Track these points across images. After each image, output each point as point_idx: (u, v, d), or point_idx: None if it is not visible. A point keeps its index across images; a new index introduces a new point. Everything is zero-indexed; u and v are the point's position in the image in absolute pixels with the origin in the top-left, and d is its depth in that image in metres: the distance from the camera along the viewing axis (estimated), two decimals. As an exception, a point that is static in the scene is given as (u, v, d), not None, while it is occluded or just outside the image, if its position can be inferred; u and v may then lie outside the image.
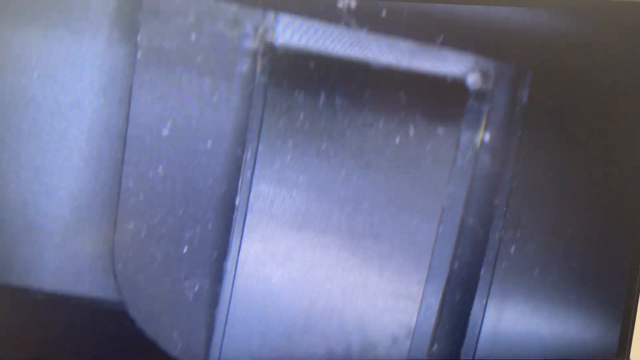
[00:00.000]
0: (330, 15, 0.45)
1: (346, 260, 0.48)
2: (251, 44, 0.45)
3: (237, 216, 0.46)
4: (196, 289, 0.47)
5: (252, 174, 0.46)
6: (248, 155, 0.46)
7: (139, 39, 0.44)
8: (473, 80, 0.47)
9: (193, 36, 0.44)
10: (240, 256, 0.47)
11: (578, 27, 0.47)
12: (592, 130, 0.49)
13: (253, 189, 0.46)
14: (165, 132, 0.45)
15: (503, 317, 0.51)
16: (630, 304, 0.52)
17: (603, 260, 0.51)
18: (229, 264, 0.47)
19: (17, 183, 0.45)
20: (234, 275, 0.47)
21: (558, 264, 0.51)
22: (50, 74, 0.44)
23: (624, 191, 0.51)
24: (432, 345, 0.51)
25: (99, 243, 0.46)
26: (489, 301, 0.50)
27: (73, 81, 0.44)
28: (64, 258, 0.46)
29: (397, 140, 0.47)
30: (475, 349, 0.51)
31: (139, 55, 0.44)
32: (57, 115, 0.44)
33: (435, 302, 0.50)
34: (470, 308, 0.50)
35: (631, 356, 0.53)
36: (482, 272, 0.50)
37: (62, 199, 0.45)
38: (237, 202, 0.46)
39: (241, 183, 0.46)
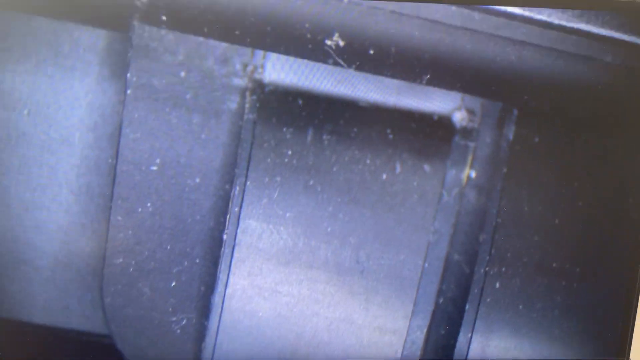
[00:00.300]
0: (318, 53, 0.45)
1: (332, 295, 0.49)
2: (240, 81, 0.45)
3: (225, 251, 0.47)
4: (184, 323, 0.47)
5: (240, 209, 0.47)
6: (236, 190, 0.46)
7: (128, 76, 0.44)
8: (459, 117, 0.47)
9: (182, 73, 0.45)
10: (227, 291, 0.47)
11: (564, 64, 0.48)
12: (578, 166, 0.50)
13: (241, 224, 0.47)
14: (154, 168, 0.45)
15: (488, 352, 0.52)
16: (630, 304, 0.52)
17: (594, 291, 0.52)
18: (216, 298, 0.47)
19: (8, 217, 0.45)
20: (221, 310, 0.47)
21: (542, 299, 0.51)
22: (41, 110, 0.44)
23: (610, 228, 0.51)
24: (418, 378, 0.51)
25: (88, 277, 0.46)
26: (473, 336, 0.51)
27: (63, 117, 0.45)
28: (54, 292, 0.46)
29: (384, 176, 0.48)
30: (461, 382, 0.52)
31: (128, 92, 0.44)
32: (48, 151, 0.45)
33: (420, 336, 0.50)
34: (455, 343, 0.51)
35: (631, 356, 0.53)
36: (466, 307, 0.51)
37: (52, 234, 0.46)
38: (224, 237, 0.47)
39: (229, 218, 0.46)
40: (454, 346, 0.50)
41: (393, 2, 0.45)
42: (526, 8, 0.46)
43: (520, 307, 0.50)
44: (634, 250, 0.52)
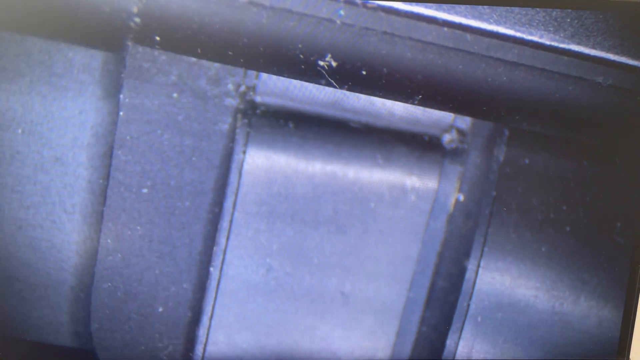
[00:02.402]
0: (311, 74, 0.46)
1: (316, 327, 0.49)
2: (232, 102, 0.46)
3: (211, 283, 0.47)
4: (170, 349, 0.47)
5: (228, 238, 0.47)
6: (224, 222, 0.46)
7: (121, 97, 0.45)
8: (449, 139, 0.47)
9: (175, 94, 0.45)
10: (212, 322, 0.48)
11: (555, 85, 0.48)
12: (569, 188, 0.50)
13: (227, 257, 0.47)
14: (144, 190, 0.46)
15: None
16: (630, 304, 0.52)
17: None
18: (201, 330, 0.48)
19: (1, 235, 0.45)
20: (206, 341, 0.48)
21: (528, 335, 0.52)
22: (35, 129, 0.45)
23: (602, 251, 0.51)
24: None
25: (81, 295, 0.46)
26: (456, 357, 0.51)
27: (57, 137, 0.45)
28: (46, 309, 0.46)
29: (372, 205, 0.48)
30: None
31: (121, 113, 0.45)
32: (41, 170, 0.45)
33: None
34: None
35: (631, 356, 0.53)
36: (449, 335, 0.51)
37: (45, 252, 0.46)
38: (211, 270, 0.47)
39: (215, 251, 0.47)
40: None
41: (385, 23, 0.45)
42: (518, 29, 0.46)
43: (502, 340, 0.51)
44: (634, 250, 0.52)
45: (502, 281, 0.50)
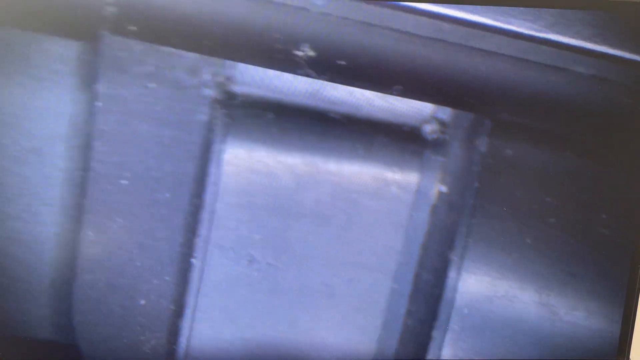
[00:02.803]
0: (289, 64, 0.45)
1: (300, 318, 0.49)
2: (210, 92, 0.45)
3: (193, 275, 0.47)
4: (152, 342, 0.47)
5: (210, 228, 0.47)
6: (205, 213, 0.46)
7: (98, 87, 0.44)
8: (430, 129, 0.47)
9: (152, 85, 0.45)
10: (195, 314, 0.47)
11: (535, 75, 0.48)
12: (553, 179, 0.50)
13: (209, 248, 0.47)
14: (124, 181, 0.45)
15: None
16: (630, 304, 0.52)
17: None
18: (185, 322, 0.47)
19: (-21, 228, 0.45)
20: (190, 333, 0.48)
21: (515, 327, 0.51)
22: (11, 121, 0.44)
23: (587, 242, 0.51)
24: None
25: (63, 287, 0.46)
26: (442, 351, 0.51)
27: (34, 128, 0.45)
28: (27, 302, 0.46)
29: (354, 196, 0.48)
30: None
31: (98, 103, 0.44)
32: (19, 162, 0.45)
33: (389, 358, 0.51)
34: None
35: (631, 356, 0.53)
36: (435, 329, 0.51)
37: (25, 245, 0.46)
38: (193, 261, 0.47)
39: (197, 242, 0.46)
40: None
41: (364, 13, 0.45)
42: (497, 18, 0.46)
43: (487, 333, 0.51)
44: (634, 250, 0.52)
45: (488, 273, 0.50)
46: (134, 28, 0.44)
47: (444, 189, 0.48)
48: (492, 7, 0.46)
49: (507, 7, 0.45)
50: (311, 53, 0.45)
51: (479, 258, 0.49)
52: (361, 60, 0.45)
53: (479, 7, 0.45)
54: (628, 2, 0.47)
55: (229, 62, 0.45)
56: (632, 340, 0.53)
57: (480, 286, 0.50)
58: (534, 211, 0.49)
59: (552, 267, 0.50)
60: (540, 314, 0.51)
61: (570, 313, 0.51)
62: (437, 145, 0.48)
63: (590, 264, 0.51)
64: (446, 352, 0.51)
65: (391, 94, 0.46)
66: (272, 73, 0.45)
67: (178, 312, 0.47)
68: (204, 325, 0.48)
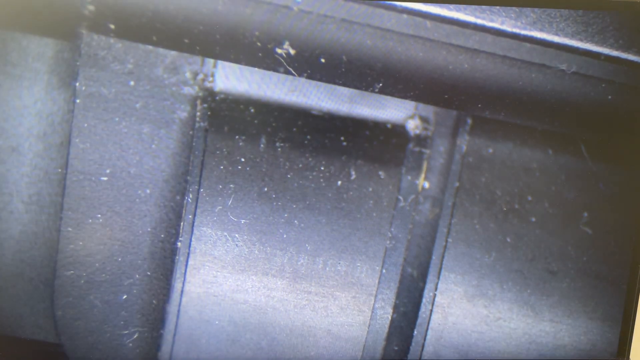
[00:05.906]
0: (269, 61, 0.45)
1: (290, 302, 0.49)
2: (190, 90, 0.45)
3: (179, 259, 0.47)
4: (135, 336, 0.47)
5: (194, 217, 0.46)
6: (189, 198, 0.46)
7: (77, 85, 0.44)
8: (413, 126, 0.47)
9: (132, 82, 0.44)
10: (182, 299, 0.47)
11: (517, 72, 0.47)
12: (534, 178, 0.50)
13: (195, 232, 0.47)
14: (104, 178, 0.45)
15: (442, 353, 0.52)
16: (630, 304, 0.52)
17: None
18: (172, 307, 0.47)
19: (-42, 227, 0.45)
20: (177, 319, 0.47)
21: (496, 325, 0.51)
22: (-10, 119, 0.44)
23: (569, 241, 0.51)
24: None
25: (41, 286, 0.46)
26: (425, 347, 0.51)
27: (12, 126, 0.44)
28: (5, 301, 0.46)
29: (339, 183, 0.47)
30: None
31: (77, 101, 0.44)
32: (-3, 160, 0.45)
33: (379, 342, 0.50)
34: (407, 353, 0.51)
35: (631, 356, 0.53)
36: (420, 313, 0.51)
37: (3, 243, 0.45)
38: (179, 245, 0.46)
39: (183, 226, 0.46)
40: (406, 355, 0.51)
41: (344, 10, 0.44)
42: (479, 16, 0.46)
43: (469, 328, 0.51)
44: (633, 250, 0.52)
45: (469, 271, 0.49)
46: (112, 26, 0.43)
47: (426, 184, 0.48)
48: (472, 5, 0.45)
49: (488, 5, 0.45)
50: (291, 51, 0.45)
51: (459, 256, 0.49)
52: (341, 57, 0.45)
53: (460, 5, 0.45)
54: (629, 2, 0.47)
55: (209, 60, 0.45)
56: (632, 340, 0.53)
57: (461, 283, 0.50)
58: (515, 210, 0.49)
59: (529, 263, 0.50)
60: (513, 305, 0.50)
61: (539, 303, 0.51)
62: (420, 140, 0.47)
63: (570, 262, 0.51)
64: (428, 350, 0.51)
65: (372, 91, 0.46)
66: (253, 70, 0.45)
67: (160, 305, 0.47)
68: (191, 311, 0.47)
